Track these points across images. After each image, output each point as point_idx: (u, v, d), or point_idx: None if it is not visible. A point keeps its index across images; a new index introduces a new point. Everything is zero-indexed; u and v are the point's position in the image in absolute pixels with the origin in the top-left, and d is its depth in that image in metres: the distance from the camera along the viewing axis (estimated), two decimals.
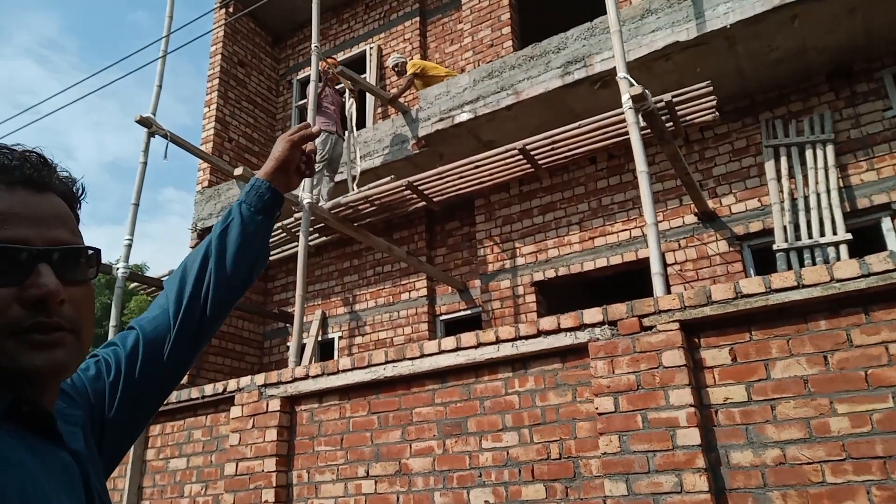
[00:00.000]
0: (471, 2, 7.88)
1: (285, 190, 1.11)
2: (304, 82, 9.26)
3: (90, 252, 0.74)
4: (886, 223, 5.07)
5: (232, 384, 4.54)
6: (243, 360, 8.10)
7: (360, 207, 6.07)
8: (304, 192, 5.66)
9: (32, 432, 0.69)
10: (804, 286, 2.96)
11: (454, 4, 8.49)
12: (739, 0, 5.00)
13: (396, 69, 7.73)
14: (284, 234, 6.83)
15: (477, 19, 7.72)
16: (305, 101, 8.03)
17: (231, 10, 9.43)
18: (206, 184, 8.65)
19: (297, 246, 6.38)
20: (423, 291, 7.20)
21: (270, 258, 7.48)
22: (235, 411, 4.41)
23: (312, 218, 5.82)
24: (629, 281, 6.52)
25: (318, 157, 6.20)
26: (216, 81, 8.93)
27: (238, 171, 5.81)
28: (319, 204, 6.04)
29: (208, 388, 4.66)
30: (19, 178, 0.71)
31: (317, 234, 6.81)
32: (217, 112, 8.74)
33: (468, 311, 6.98)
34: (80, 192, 0.78)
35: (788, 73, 5.47)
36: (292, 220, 6.61)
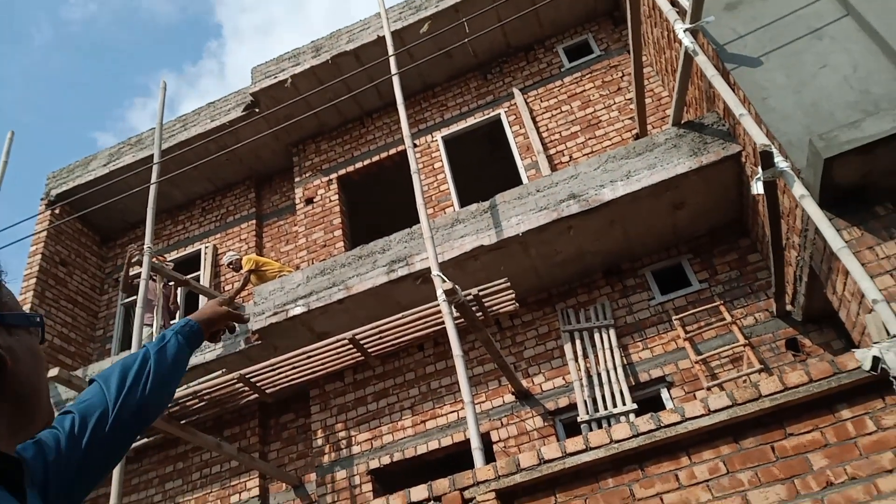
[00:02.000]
0: (305, 208, 8.64)
1: (204, 336, 1.46)
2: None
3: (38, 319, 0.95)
4: (665, 393, 5.99)
5: None
6: None
7: (189, 404, 5.92)
8: None
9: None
10: (591, 448, 3.49)
11: (289, 209, 9.20)
12: (527, 213, 6.14)
13: (231, 266, 8.02)
14: None
15: (311, 223, 8.43)
16: (133, 298, 7.91)
17: (57, 211, 9.34)
18: None
19: None
20: (255, 491, 6.86)
21: None
22: None
23: None
24: (463, 462, 6.79)
25: None
26: (33, 281, 8.55)
27: (53, 371, 5.51)
28: None
29: None
30: None
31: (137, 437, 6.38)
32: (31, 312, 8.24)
33: None
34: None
35: (573, 271, 6.60)
36: None
